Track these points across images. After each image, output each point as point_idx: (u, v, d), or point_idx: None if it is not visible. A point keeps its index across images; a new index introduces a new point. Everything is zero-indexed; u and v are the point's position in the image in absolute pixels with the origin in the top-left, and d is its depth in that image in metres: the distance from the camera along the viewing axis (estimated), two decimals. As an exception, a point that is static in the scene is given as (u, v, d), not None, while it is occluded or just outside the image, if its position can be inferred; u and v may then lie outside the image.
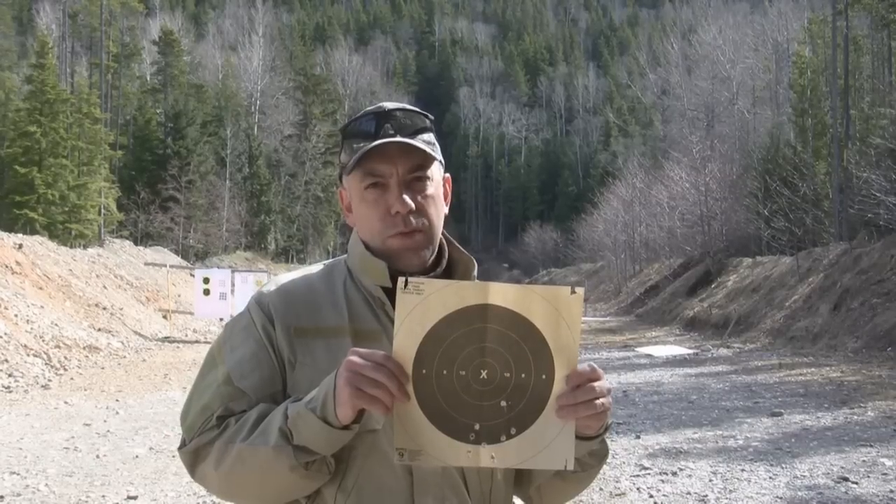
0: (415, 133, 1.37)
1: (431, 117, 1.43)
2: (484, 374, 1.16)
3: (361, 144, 1.36)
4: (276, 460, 1.25)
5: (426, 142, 1.39)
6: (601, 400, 1.20)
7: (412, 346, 1.15)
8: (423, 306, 1.14)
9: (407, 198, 1.35)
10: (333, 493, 1.32)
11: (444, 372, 1.15)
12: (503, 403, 1.17)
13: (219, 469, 1.31)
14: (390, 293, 1.38)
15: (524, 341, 1.16)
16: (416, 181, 1.37)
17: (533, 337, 1.16)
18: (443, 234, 1.45)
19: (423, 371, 1.15)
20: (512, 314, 1.15)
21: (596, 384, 1.20)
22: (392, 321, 1.37)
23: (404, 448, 1.17)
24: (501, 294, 1.15)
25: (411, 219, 1.35)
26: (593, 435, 1.30)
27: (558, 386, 1.18)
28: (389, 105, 1.40)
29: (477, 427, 1.17)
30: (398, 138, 1.34)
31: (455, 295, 1.15)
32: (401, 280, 1.14)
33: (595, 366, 1.22)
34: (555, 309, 1.17)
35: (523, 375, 1.17)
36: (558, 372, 1.18)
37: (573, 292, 1.17)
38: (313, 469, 1.27)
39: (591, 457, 1.38)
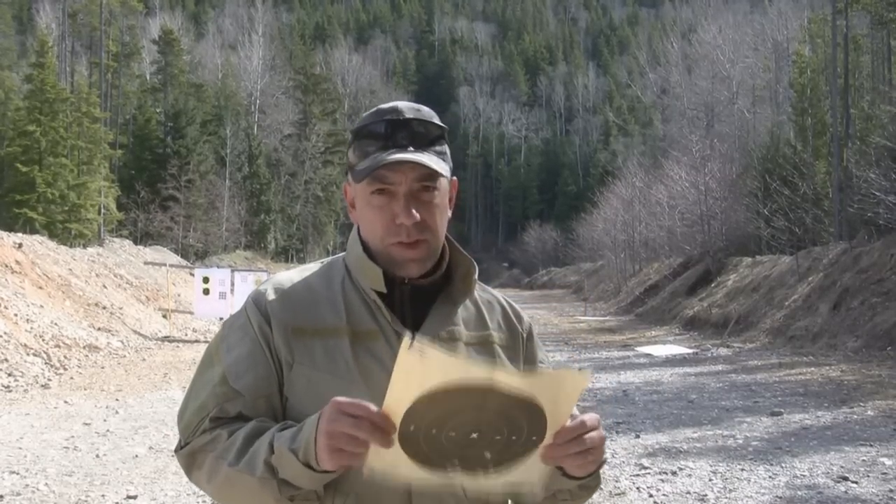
0: (429, 144, 1.35)
1: (446, 127, 1.40)
2: (475, 435, 1.15)
3: (372, 149, 1.34)
4: (262, 491, 1.24)
5: (438, 152, 1.37)
6: (587, 449, 1.21)
7: (404, 404, 1.11)
8: (423, 368, 1.10)
9: (413, 210, 1.33)
10: (331, 497, 1.31)
11: (434, 431, 1.13)
12: (487, 454, 1.17)
13: (211, 483, 1.32)
14: (384, 297, 1.38)
15: (521, 413, 1.15)
16: (423, 191, 1.35)
17: (530, 408, 1.15)
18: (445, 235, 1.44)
19: (412, 427, 1.13)
20: (513, 397, 1.13)
21: (586, 436, 1.21)
22: (388, 322, 1.37)
23: (375, 468, 1.15)
24: (506, 380, 1.12)
25: (415, 230, 1.34)
26: (582, 476, 1.30)
27: (548, 441, 1.19)
28: (405, 109, 1.36)
29: (456, 463, 1.17)
30: (410, 154, 1.32)
31: (459, 369, 1.11)
32: (406, 341, 1.10)
33: (586, 419, 1.22)
34: (558, 384, 1.16)
35: (514, 437, 1.17)
36: (550, 430, 1.18)
37: (580, 369, 1.18)
38: (299, 499, 1.26)
39: (582, 489, 1.39)
